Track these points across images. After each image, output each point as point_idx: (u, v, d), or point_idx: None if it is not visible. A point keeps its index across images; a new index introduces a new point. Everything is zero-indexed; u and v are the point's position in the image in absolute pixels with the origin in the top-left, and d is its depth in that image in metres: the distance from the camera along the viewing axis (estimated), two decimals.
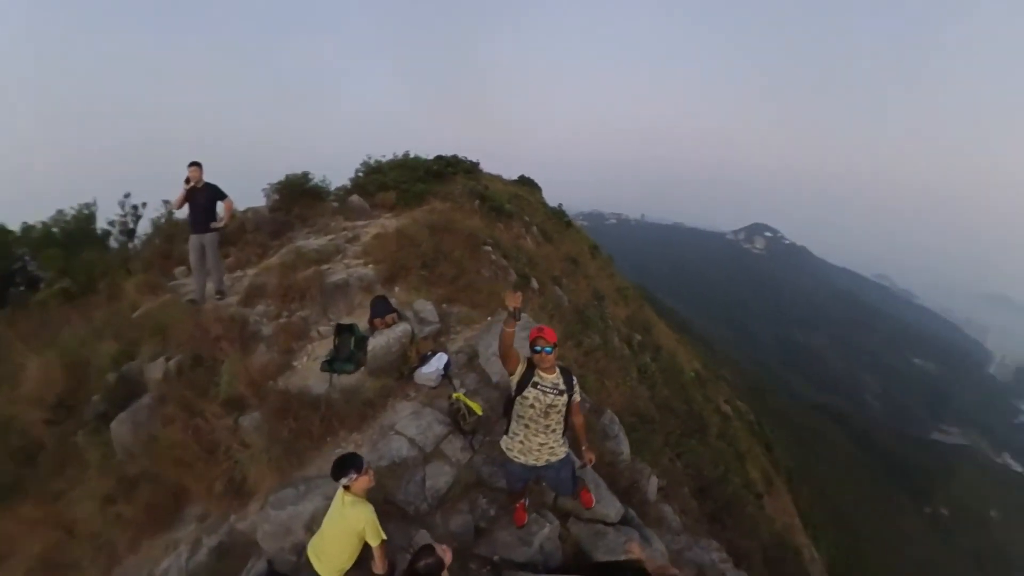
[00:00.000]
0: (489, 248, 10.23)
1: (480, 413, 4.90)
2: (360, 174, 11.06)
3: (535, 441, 3.25)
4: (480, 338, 6.80)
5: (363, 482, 2.80)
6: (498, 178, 15.77)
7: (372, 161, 11.33)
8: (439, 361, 5.79)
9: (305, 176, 9.82)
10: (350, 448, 4.34)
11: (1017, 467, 75.10)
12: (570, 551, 3.94)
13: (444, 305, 7.35)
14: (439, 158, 12.21)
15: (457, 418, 4.78)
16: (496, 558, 3.62)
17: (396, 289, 7.37)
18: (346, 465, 2.79)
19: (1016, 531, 52.19)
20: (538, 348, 3.10)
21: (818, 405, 67.53)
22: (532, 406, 3.14)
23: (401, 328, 5.98)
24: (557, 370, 3.23)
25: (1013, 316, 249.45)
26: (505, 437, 3.39)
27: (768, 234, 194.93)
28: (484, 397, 5.52)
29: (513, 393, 3.21)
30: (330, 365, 5.27)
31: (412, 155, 11.92)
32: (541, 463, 3.32)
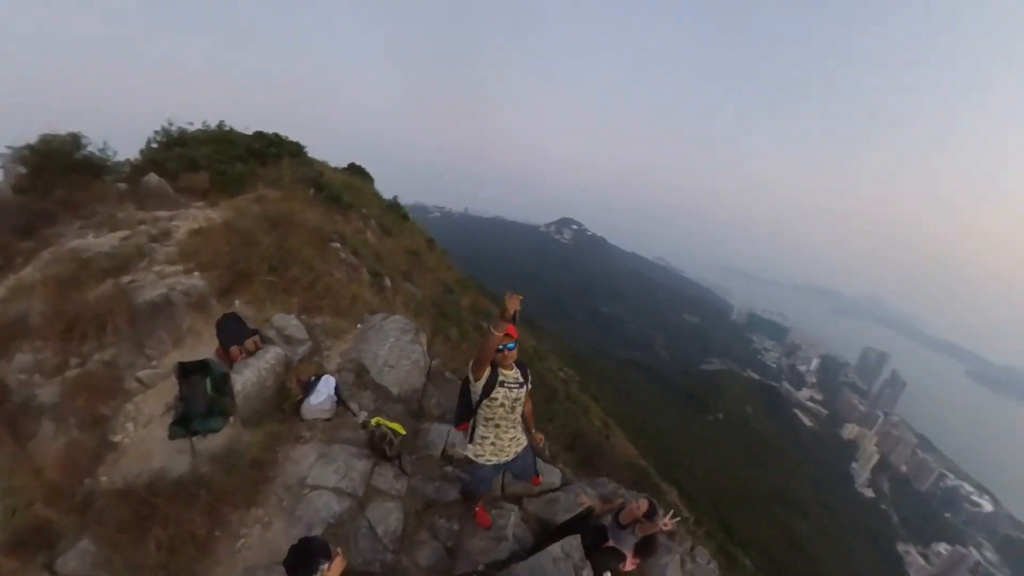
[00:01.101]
0: (338, 245, 9.05)
1: (404, 432, 4.43)
2: (155, 145, 7.97)
3: (506, 438, 3.30)
4: (359, 349, 6.01)
5: (337, 567, 2.05)
6: (325, 164, 13.77)
7: (174, 129, 8.28)
8: (327, 386, 4.89)
9: (75, 141, 6.64)
10: (255, 532, 3.13)
11: (757, 377, 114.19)
12: (535, 527, 4.22)
13: (304, 317, 6.24)
14: (260, 135, 9.82)
15: (383, 445, 4.19)
16: (481, 567, 3.60)
17: (238, 303, 5.91)
18: (311, 557, 1.98)
19: (764, 420, 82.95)
20: (501, 346, 3.05)
21: (625, 360, 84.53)
22: (502, 405, 3.15)
23: (272, 354, 4.74)
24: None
25: (744, 281, 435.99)
26: (471, 445, 3.32)
27: (574, 227, 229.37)
28: (388, 414, 5.10)
29: (478, 398, 3.13)
30: (184, 426, 3.73)
31: (227, 127, 9.30)
32: (511, 457, 3.40)
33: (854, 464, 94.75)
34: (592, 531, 3.96)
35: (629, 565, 3.92)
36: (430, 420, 5.58)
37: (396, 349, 6.47)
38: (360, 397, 5.44)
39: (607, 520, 3.98)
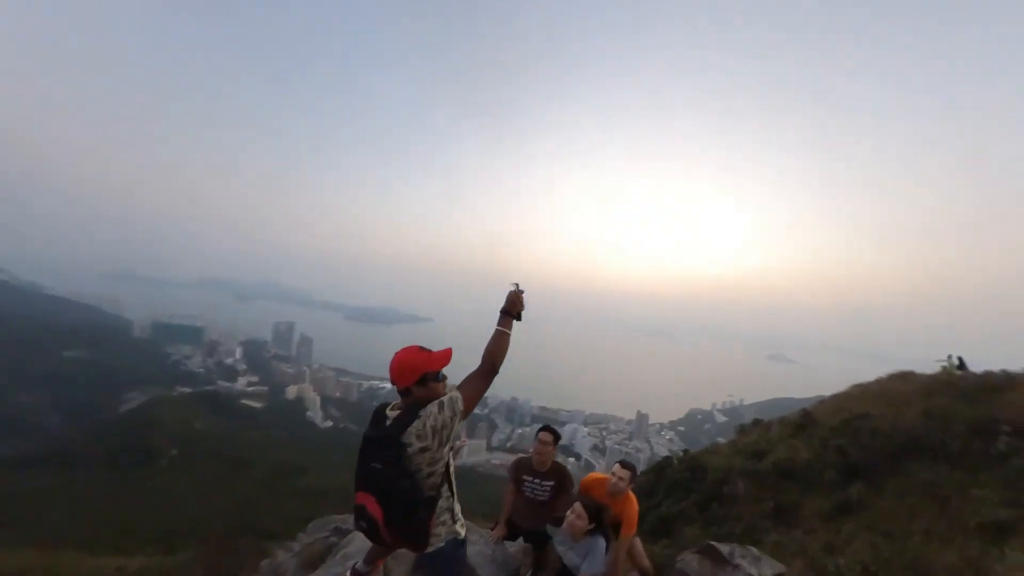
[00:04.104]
0: None
1: None
2: None
3: None
4: None
5: None
6: None
7: None
8: None
9: None
10: None
11: (190, 390, 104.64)
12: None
13: None
14: None
15: None
16: None
17: None
18: None
19: (219, 426, 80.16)
20: (437, 376, 2.33)
21: (6, 458, 57.75)
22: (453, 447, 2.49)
23: None
24: None
25: (139, 286, 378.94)
26: (457, 525, 2.37)
27: None
28: None
29: (448, 457, 2.28)
30: None
31: None
32: None
33: (309, 412, 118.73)
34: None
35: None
36: None
37: None
38: None
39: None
